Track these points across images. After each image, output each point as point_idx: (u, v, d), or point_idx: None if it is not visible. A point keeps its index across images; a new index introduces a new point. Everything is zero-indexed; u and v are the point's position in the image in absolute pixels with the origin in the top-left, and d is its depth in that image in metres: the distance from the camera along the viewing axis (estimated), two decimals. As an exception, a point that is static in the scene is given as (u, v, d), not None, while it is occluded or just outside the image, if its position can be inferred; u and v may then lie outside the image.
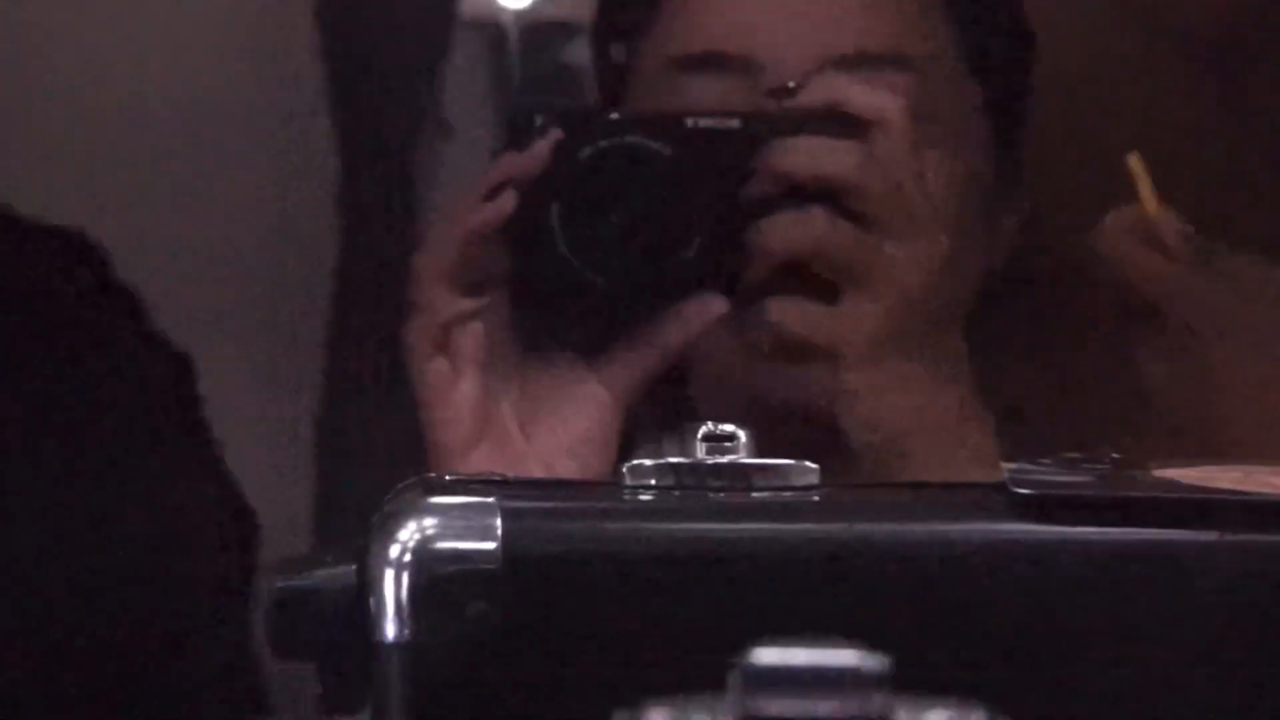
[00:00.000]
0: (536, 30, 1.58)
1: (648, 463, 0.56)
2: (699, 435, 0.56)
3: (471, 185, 0.86)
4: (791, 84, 0.90)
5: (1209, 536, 0.55)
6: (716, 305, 0.86)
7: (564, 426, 0.86)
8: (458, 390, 0.84)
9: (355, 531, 0.55)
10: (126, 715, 1.35)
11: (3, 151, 1.55)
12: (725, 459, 0.56)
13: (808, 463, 0.56)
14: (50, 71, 1.59)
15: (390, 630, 0.54)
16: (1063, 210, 1.03)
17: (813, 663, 0.40)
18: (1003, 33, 0.99)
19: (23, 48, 1.58)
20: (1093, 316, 0.94)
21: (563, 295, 0.86)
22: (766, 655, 0.40)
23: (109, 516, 1.44)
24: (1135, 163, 0.90)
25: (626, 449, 0.89)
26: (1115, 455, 0.59)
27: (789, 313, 0.86)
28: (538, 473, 0.84)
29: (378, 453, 1.40)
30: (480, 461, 0.84)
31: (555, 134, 0.84)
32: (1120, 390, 0.91)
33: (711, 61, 0.93)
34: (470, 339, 0.84)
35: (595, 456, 0.85)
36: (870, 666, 0.40)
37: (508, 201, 0.84)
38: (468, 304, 0.84)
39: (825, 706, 0.40)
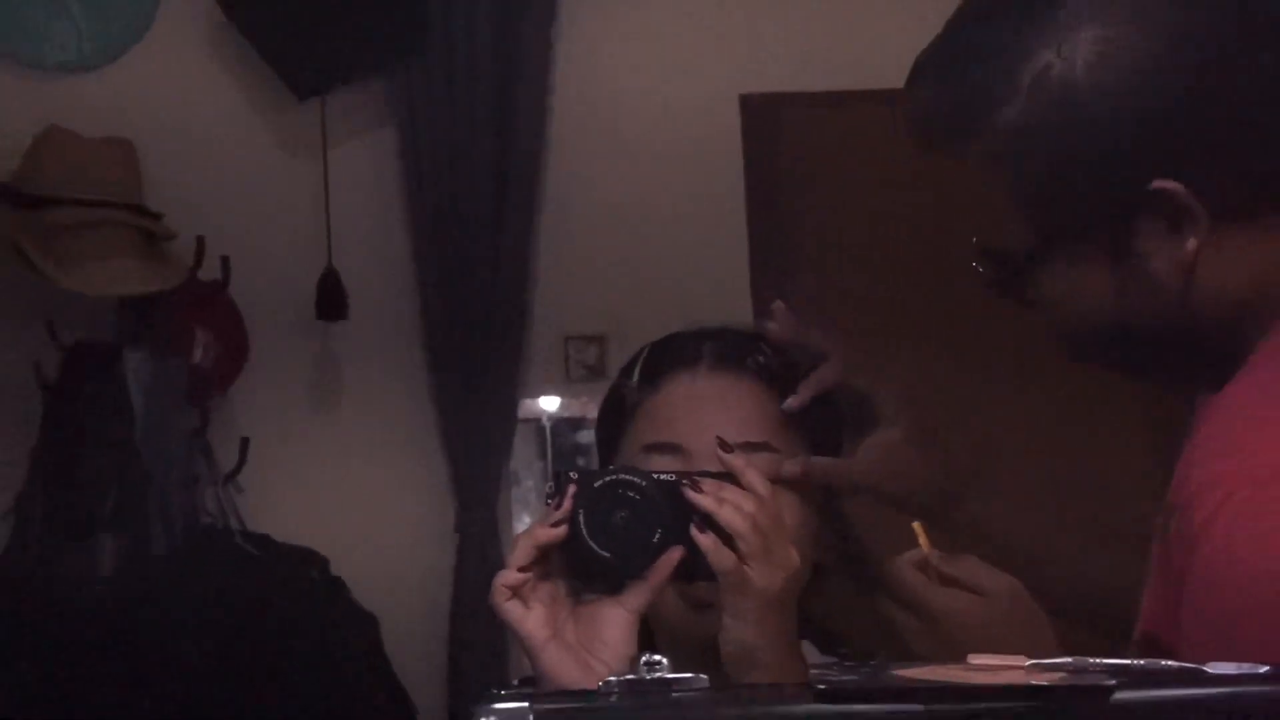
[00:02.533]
0: (563, 423, 3.47)
1: (613, 679, 1.01)
2: (642, 660, 1.01)
3: (539, 520, 1.54)
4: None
5: (920, 707, 1.00)
6: (676, 554, 1.53)
7: (600, 633, 1.52)
8: (530, 616, 1.53)
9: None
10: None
11: None
12: (656, 675, 1.01)
13: (702, 675, 1.01)
14: None
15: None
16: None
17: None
18: (824, 430, 1.71)
19: None
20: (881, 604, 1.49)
21: (589, 564, 1.52)
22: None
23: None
24: (918, 526, 1.54)
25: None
26: (874, 662, 1.04)
27: (706, 589, 1.59)
28: (590, 660, 1.48)
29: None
30: (553, 652, 1.52)
31: (579, 479, 1.53)
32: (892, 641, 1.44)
33: (662, 447, 1.69)
34: (533, 590, 1.53)
35: (623, 648, 1.52)
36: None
37: (559, 531, 1.50)
38: (520, 577, 1.53)
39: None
